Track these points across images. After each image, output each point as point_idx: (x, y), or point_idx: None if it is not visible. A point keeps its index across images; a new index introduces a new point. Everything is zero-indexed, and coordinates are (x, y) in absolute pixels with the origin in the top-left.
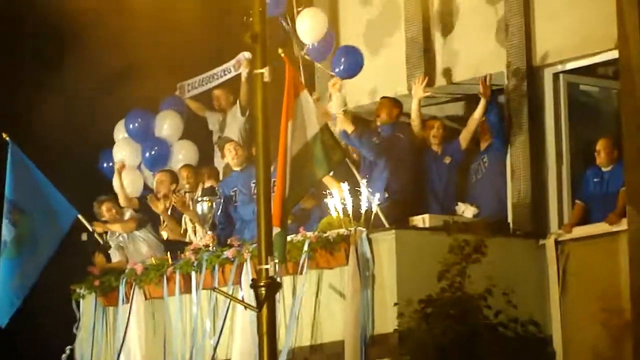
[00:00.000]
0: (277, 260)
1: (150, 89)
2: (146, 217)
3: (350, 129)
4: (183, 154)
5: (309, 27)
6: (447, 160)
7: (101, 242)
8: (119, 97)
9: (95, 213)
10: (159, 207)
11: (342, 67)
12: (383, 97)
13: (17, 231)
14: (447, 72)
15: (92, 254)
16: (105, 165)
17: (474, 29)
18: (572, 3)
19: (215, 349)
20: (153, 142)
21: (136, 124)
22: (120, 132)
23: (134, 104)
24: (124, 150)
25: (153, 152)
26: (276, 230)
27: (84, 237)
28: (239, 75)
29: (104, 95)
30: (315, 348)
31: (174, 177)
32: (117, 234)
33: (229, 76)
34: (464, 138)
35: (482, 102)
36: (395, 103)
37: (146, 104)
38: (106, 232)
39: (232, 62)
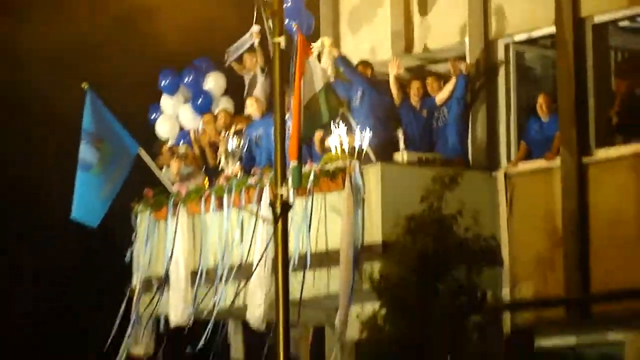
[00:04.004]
0: (290, 186)
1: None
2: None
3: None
4: (222, 104)
5: None
6: (425, 113)
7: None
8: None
9: (154, 153)
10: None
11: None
12: (360, 61)
13: (100, 154)
14: (423, 41)
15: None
16: (152, 117)
17: (447, 6)
18: None
19: (245, 253)
20: (201, 94)
21: (189, 79)
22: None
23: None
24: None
25: (199, 102)
26: (293, 163)
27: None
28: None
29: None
30: (319, 254)
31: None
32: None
33: (247, 44)
34: (440, 100)
35: (453, 80)
36: (367, 64)
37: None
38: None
39: (248, 34)
